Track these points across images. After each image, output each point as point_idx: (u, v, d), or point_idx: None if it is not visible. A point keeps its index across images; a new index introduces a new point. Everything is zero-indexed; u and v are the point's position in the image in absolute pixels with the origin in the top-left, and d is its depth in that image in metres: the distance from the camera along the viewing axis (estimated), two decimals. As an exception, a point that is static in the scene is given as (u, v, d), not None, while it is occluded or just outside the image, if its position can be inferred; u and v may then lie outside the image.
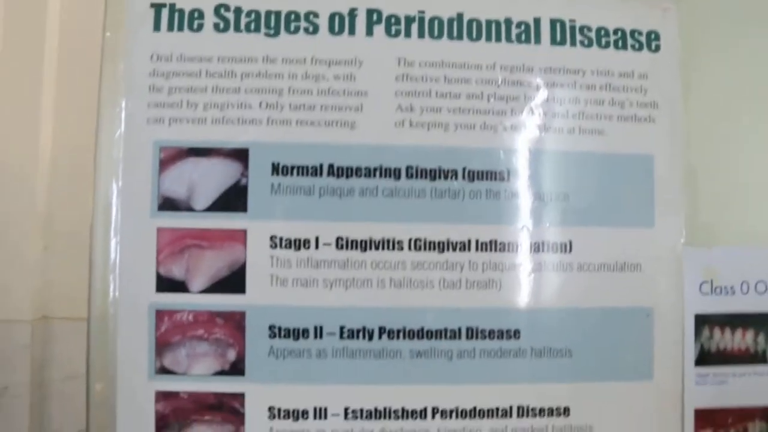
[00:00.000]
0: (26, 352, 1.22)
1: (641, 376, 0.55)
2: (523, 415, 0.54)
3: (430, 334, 0.53)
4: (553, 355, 0.54)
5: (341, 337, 0.53)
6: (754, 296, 0.56)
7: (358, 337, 0.53)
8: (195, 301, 0.53)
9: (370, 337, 0.53)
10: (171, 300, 0.53)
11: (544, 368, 0.54)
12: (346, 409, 0.53)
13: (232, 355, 0.53)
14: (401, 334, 0.53)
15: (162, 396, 0.53)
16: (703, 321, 0.56)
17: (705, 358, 0.56)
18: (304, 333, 0.53)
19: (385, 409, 0.53)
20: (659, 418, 0.56)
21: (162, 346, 0.53)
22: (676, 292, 0.56)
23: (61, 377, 1.23)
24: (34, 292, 1.22)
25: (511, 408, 0.54)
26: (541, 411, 0.54)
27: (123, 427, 0.53)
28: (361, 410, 0.53)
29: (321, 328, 0.53)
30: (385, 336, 0.53)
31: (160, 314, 0.53)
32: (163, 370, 0.53)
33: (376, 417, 0.53)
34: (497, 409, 0.54)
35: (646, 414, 0.55)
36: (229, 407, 0.53)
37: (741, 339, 0.56)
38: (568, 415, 0.55)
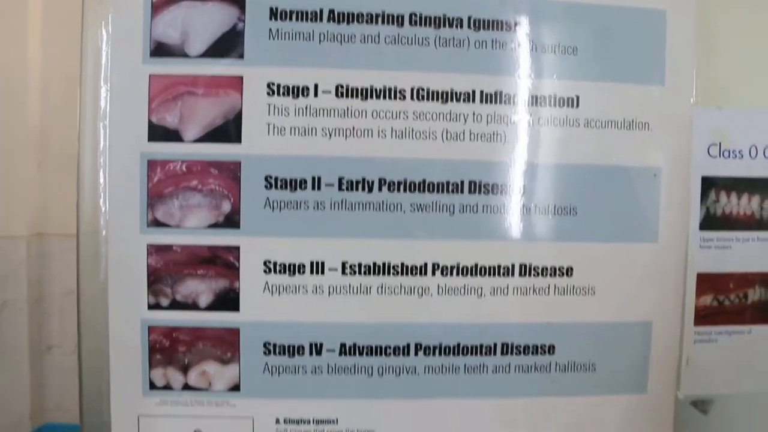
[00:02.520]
0: (23, 268, 1.20)
1: (646, 237, 0.54)
2: (525, 274, 0.53)
3: (432, 187, 0.52)
4: (558, 212, 0.53)
5: (340, 188, 0.51)
6: (762, 161, 0.55)
7: (357, 188, 0.51)
8: (188, 150, 0.51)
9: (370, 189, 0.51)
10: (163, 150, 0.51)
11: (547, 226, 0.53)
12: (343, 264, 0.52)
13: (226, 207, 0.51)
14: (402, 187, 0.51)
15: (154, 249, 0.51)
16: (709, 184, 0.55)
17: (710, 222, 0.55)
18: (302, 183, 0.51)
19: (384, 264, 0.52)
20: (661, 281, 0.55)
21: (154, 198, 0.51)
22: (684, 154, 0.54)
23: (59, 293, 1.22)
24: (29, 209, 1.20)
25: (513, 266, 0.53)
26: (544, 270, 0.53)
27: (115, 283, 0.52)
28: (360, 265, 0.52)
29: (319, 178, 0.51)
30: (385, 188, 0.51)
31: (152, 164, 0.51)
32: (156, 223, 0.51)
33: (374, 272, 0.52)
34: (499, 266, 0.53)
35: (649, 277, 0.54)
36: (224, 261, 0.52)
37: (747, 204, 0.55)
38: (571, 275, 0.53)
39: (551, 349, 0.54)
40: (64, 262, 1.07)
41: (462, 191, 0.52)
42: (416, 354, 0.53)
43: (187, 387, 0.52)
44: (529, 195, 0.52)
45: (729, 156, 0.55)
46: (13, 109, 1.21)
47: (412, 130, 0.51)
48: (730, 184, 0.55)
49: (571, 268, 0.53)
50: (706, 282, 0.55)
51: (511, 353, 0.54)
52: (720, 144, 0.55)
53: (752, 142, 0.55)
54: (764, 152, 0.55)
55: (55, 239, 1.22)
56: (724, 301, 0.56)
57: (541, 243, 0.53)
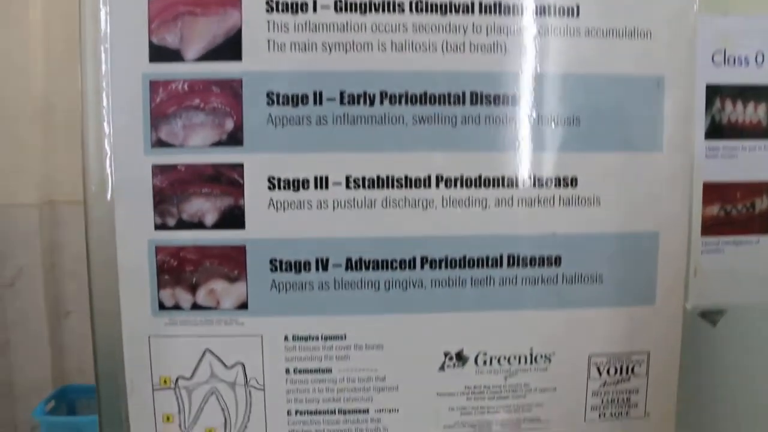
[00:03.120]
0: (36, 235, 1.22)
1: (651, 147, 0.54)
2: (530, 185, 0.53)
3: (434, 99, 0.51)
4: (561, 122, 0.53)
5: (341, 102, 0.51)
6: None
7: (359, 102, 0.51)
8: (190, 69, 0.51)
9: (372, 103, 0.51)
10: (165, 69, 0.51)
11: (551, 136, 0.53)
12: (347, 178, 0.52)
13: (229, 124, 0.51)
14: (403, 99, 0.51)
15: (159, 170, 0.52)
16: (714, 92, 0.54)
17: (715, 131, 0.55)
18: (304, 99, 0.51)
19: (387, 177, 0.52)
20: (667, 191, 0.54)
21: (157, 118, 0.51)
22: (687, 61, 0.54)
23: (72, 259, 1.24)
24: (40, 178, 1.21)
25: (517, 177, 0.53)
26: (548, 181, 0.53)
27: (121, 204, 0.52)
28: (363, 178, 0.52)
29: (321, 93, 0.51)
30: (386, 101, 0.51)
31: (154, 85, 0.51)
32: (160, 143, 0.51)
33: (378, 186, 0.52)
34: (503, 177, 0.53)
35: (654, 187, 0.54)
36: (228, 178, 0.52)
37: (753, 112, 0.55)
38: (576, 185, 0.53)
39: (558, 261, 0.54)
40: (76, 229, 1.09)
41: (464, 102, 0.52)
42: (422, 267, 0.53)
43: (195, 306, 0.53)
44: (532, 105, 0.52)
45: (734, 63, 0.54)
46: (15, 78, 1.22)
47: (412, 43, 0.51)
48: (736, 92, 0.55)
49: (576, 179, 0.53)
50: (713, 192, 0.55)
51: (518, 265, 0.54)
52: (725, 51, 0.54)
53: (758, 49, 0.54)
54: (770, 58, 0.55)
55: (65, 206, 1.24)
56: (732, 210, 0.56)
57: (545, 153, 0.53)
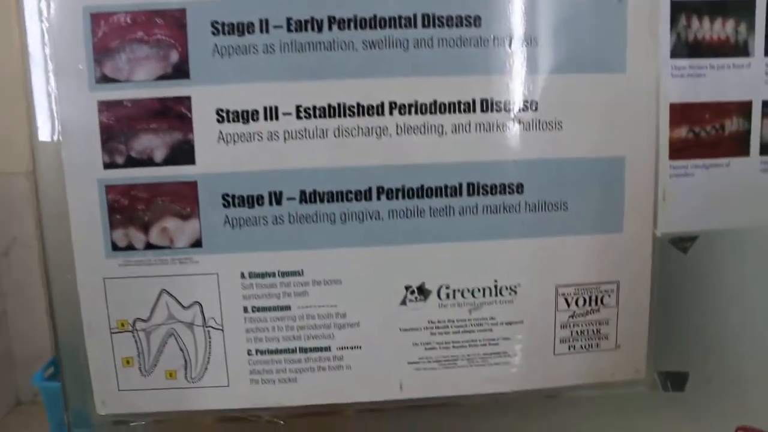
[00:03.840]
0: (27, 204, 1.21)
1: (613, 68, 0.52)
2: (486, 110, 0.51)
3: (384, 23, 0.50)
4: (518, 43, 0.51)
5: (289, 29, 0.49)
6: (734, -20, 0.52)
7: (306, 28, 0.49)
8: (131, 0, 0.49)
9: (320, 29, 0.50)
10: (106, 2, 0.50)
11: (507, 58, 0.51)
12: (297, 107, 0.50)
13: (174, 56, 0.50)
14: (352, 24, 0.50)
15: (105, 106, 0.50)
16: (679, 8, 0.52)
17: (681, 49, 0.52)
18: (249, 27, 0.49)
19: (339, 105, 0.50)
20: (632, 113, 0.53)
21: (101, 53, 0.50)
22: (649, -24, 0.52)
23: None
24: (26, 145, 1.19)
25: (474, 101, 0.51)
26: (507, 104, 0.51)
27: (68, 144, 0.51)
28: (314, 107, 0.50)
29: (267, 21, 0.49)
30: (335, 26, 0.49)
31: (95, 18, 0.50)
32: (105, 79, 0.50)
33: (330, 115, 0.50)
34: (459, 102, 0.51)
35: (618, 109, 0.52)
36: (176, 113, 0.50)
37: (721, 28, 0.53)
38: (536, 109, 0.51)
39: (519, 188, 0.52)
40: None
41: (415, 25, 0.50)
42: (378, 198, 0.51)
43: (149, 246, 0.52)
44: (486, 25, 0.50)
45: (699, -23, 0.52)
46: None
47: (360, -36, 0.49)
48: (702, 8, 0.52)
49: (536, 102, 0.51)
50: (680, 113, 0.53)
51: (478, 194, 0.52)
52: (688, -36, 0.52)
53: (723, -39, 0.52)
54: (737, -29, 0.52)
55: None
56: (700, 132, 0.54)
57: (501, 76, 0.51)
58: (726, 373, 0.56)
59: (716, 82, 0.53)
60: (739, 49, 0.53)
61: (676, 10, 0.52)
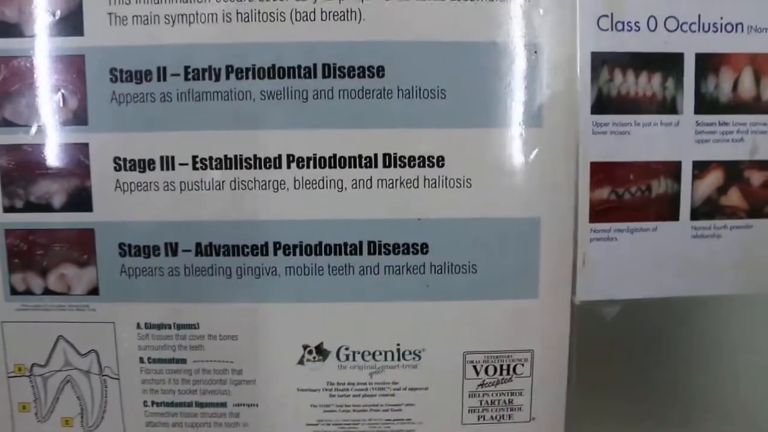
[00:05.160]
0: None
1: (528, 122, 0.49)
2: (390, 165, 0.49)
3: (282, 73, 0.48)
4: (423, 95, 0.48)
5: (186, 78, 0.48)
6: (663, 33, 0.49)
7: (204, 77, 0.48)
8: (31, 45, 0.49)
9: (217, 78, 0.48)
10: (5, 45, 0.49)
11: (413, 111, 0.48)
12: (194, 158, 0.49)
13: (73, 103, 0.49)
14: (250, 73, 0.48)
15: (5, 150, 0.50)
16: (601, 61, 0.49)
17: (604, 104, 0.49)
18: (147, 75, 0.48)
19: (235, 156, 0.49)
20: (549, 172, 0.49)
21: (0, 96, 0.50)
22: (567, 26, 0.48)
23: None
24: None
25: (376, 156, 0.49)
26: (411, 160, 0.49)
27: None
28: (210, 158, 0.49)
29: (164, 68, 0.48)
30: (233, 75, 0.48)
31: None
32: (5, 123, 0.50)
33: (226, 166, 0.49)
34: (360, 156, 0.49)
35: (534, 167, 0.49)
36: (74, 159, 0.50)
37: (646, 83, 0.49)
38: (443, 165, 0.49)
39: (424, 248, 0.50)
40: None
41: (315, 75, 0.48)
42: (275, 254, 0.50)
43: (47, 291, 0.51)
44: (390, 77, 0.48)
45: (623, 29, 0.49)
46: None
47: (259, 12, 0.48)
48: (626, 61, 0.49)
49: (442, 158, 0.49)
50: (602, 172, 0.50)
51: (380, 252, 0.50)
52: (612, 15, 0.48)
53: (650, 13, 0.48)
54: (665, 23, 0.49)
55: None
56: (624, 194, 0.50)
57: (406, 130, 0.49)
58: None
59: (642, 140, 0.49)
60: (666, 106, 0.49)
61: (597, 63, 0.49)
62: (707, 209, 0.50)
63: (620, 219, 0.50)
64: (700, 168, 0.50)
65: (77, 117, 0.49)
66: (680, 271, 0.50)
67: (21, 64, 0.49)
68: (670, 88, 0.49)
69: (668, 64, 0.49)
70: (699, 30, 0.48)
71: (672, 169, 0.50)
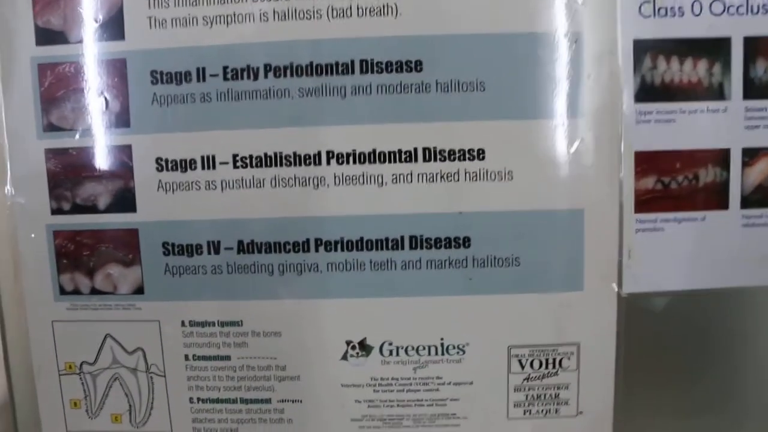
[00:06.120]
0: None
1: (570, 113, 0.48)
2: (430, 159, 0.48)
3: (320, 70, 0.48)
4: (462, 88, 0.48)
5: (225, 78, 0.49)
6: (708, 18, 0.47)
7: (242, 77, 0.48)
8: (75, 51, 0.50)
9: (255, 77, 0.48)
10: (51, 52, 0.50)
11: (452, 103, 0.48)
12: (234, 157, 0.49)
13: (116, 106, 0.50)
14: (288, 71, 0.48)
15: (52, 154, 0.51)
16: (644, 49, 0.48)
17: (647, 92, 0.48)
18: (187, 76, 0.49)
19: (275, 154, 0.49)
20: (593, 163, 0.48)
21: (47, 102, 0.51)
22: (608, 14, 0.47)
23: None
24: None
25: (415, 150, 0.48)
26: (451, 153, 0.48)
27: (19, 189, 0.52)
28: (250, 157, 0.49)
29: (203, 69, 0.49)
30: (271, 74, 0.48)
31: (42, 68, 0.50)
32: (51, 128, 0.51)
33: (266, 164, 0.49)
34: (399, 151, 0.48)
35: (576, 157, 0.48)
36: (118, 161, 0.50)
37: (692, 70, 0.48)
38: (483, 158, 0.48)
39: (466, 242, 0.49)
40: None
41: (353, 71, 0.48)
42: (317, 250, 0.50)
43: (94, 291, 0.52)
44: (428, 70, 0.48)
45: (666, 14, 0.47)
46: None
47: (296, 10, 0.48)
48: (670, 48, 0.48)
49: (483, 150, 0.48)
50: (647, 161, 0.48)
51: (421, 247, 0.49)
52: (654, 1, 0.47)
53: (694, -3, 0.47)
54: (710, 7, 0.47)
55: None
56: (671, 183, 0.49)
57: (446, 124, 0.48)
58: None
59: (689, 128, 0.48)
60: (713, 92, 0.48)
61: (639, 51, 0.48)
62: (758, 197, 0.49)
63: (666, 209, 0.49)
64: (750, 155, 0.48)
65: (120, 119, 0.50)
66: (730, 261, 0.49)
67: (65, 70, 0.50)
68: (717, 74, 0.48)
69: (714, 49, 0.47)
70: (747, 13, 0.47)
71: (720, 157, 0.48)
